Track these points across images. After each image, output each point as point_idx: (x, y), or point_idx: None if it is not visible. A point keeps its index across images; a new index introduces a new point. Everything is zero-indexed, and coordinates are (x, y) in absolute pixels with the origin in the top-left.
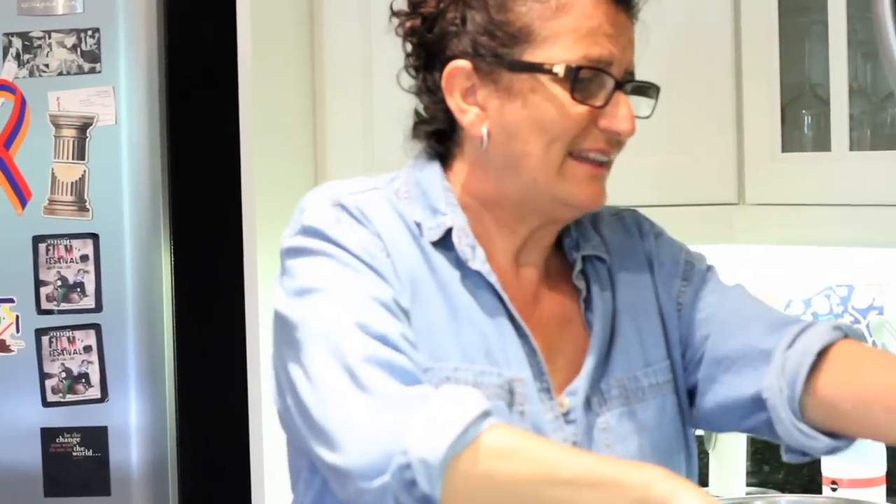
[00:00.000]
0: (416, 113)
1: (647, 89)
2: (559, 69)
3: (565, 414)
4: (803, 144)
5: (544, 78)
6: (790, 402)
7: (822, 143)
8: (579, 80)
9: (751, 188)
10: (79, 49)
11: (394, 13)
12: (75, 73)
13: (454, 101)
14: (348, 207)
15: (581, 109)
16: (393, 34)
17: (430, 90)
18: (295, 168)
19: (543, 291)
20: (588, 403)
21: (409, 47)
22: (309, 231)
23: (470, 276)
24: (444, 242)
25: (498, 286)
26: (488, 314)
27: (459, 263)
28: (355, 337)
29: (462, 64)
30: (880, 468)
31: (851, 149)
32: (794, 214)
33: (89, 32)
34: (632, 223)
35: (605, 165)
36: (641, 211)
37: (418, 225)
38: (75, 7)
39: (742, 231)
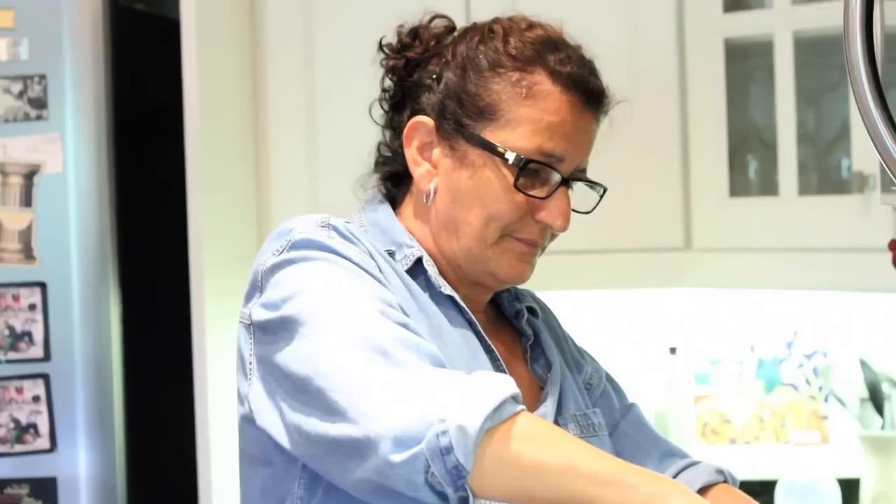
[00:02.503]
0: (378, 148)
1: (594, 187)
2: (510, 156)
3: None
4: (750, 189)
5: (496, 159)
6: None
7: (768, 187)
8: (526, 170)
9: (698, 233)
10: (25, 96)
11: (381, 47)
12: (22, 120)
13: (410, 152)
14: (337, 227)
15: (522, 198)
16: (335, 79)
17: (394, 128)
18: (239, 212)
19: (491, 334)
20: None
21: (387, 82)
22: (302, 244)
23: (442, 302)
24: (414, 271)
25: (469, 313)
26: (463, 337)
27: (430, 289)
28: (380, 322)
29: (426, 120)
30: None
31: (800, 193)
32: (742, 259)
33: (35, 79)
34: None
35: (537, 247)
36: (590, 256)
37: (390, 253)
38: (20, 54)
39: (689, 275)
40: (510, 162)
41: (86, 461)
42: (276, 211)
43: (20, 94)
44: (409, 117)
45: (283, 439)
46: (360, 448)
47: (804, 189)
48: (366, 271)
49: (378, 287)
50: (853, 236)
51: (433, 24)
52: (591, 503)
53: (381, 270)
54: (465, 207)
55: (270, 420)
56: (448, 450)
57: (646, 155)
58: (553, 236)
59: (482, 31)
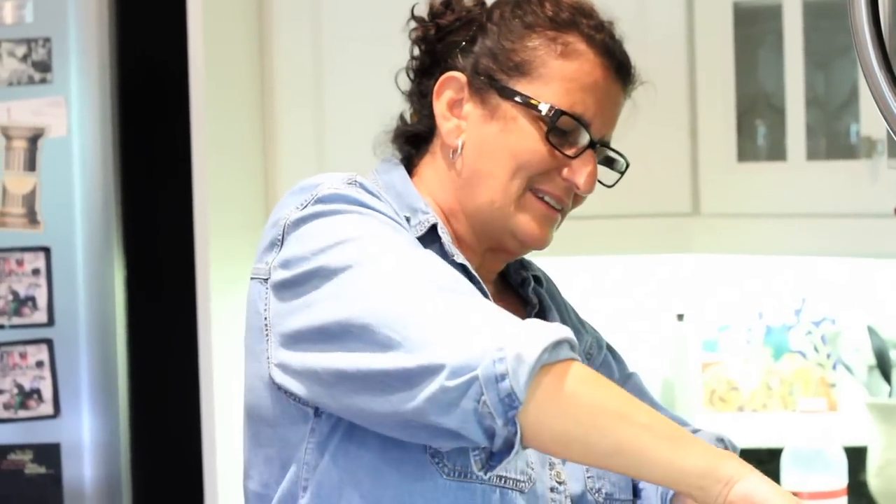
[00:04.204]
0: (401, 117)
1: (616, 162)
2: (544, 108)
3: None
4: (758, 154)
5: (528, 111)
6: (662, 498)
7: (777, 152)
8: (556, 129)
9: (706, 198)
10: (29, 59)
11: (413, 17)
12: (26, 84)
13: (440, 106)
14: (364, 184)
15: (550, 151)
16: (343, 45)
17: (422, 94)
18: (246, 178)
19: (498, 302)
20: None
21: (415, 51)
22: (331, 198)
23: (455, 270)
24: (427, 238)
25: (481, 283)
26: None
27: (443, 257)
28: (428, 261)
29: (458, 75)
30: (841, 480)
31: (808, 158)
32: (750, 224)
33: (40, 42)
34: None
35: (559, 212)
36: (598, 222)
37: (406, 219)
38: (24, 17)
39: (697, 241)
40: (543, 114)
41: (89, 427)
42: (284, 175)
43: (24, 58)
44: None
45: (303, 390)
46: (411, 377)
47: (812, 154)
48: (398, 224)
49: (412, 240)
50: (861, 202)
51: None
52: (645, 457)
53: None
54: (491, 160)
55: (300, 373)
56: (503, 376)
57: (653, 120)
58: (576, 202)
59: None
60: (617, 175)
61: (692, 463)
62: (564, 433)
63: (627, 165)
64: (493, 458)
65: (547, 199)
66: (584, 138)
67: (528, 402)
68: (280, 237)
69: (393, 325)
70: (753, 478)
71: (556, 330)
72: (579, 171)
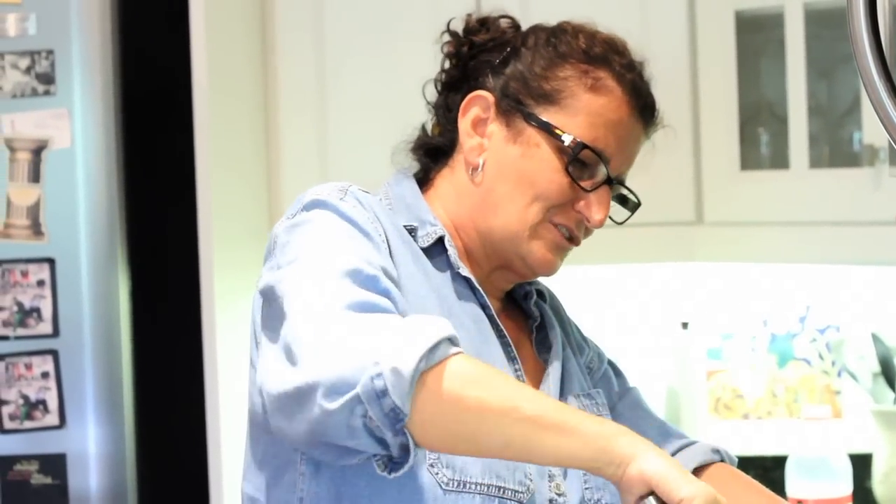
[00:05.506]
0: (423, 128)
1: (628, 201)
2: (567, 139)
3: None
4: (761, 163)
5: (551, 140)
6: None
7: (780, 161)
8: (579, 158)
9: (709, 207)
10: (33, 71)
11: (448, 31)
12: (29, 96)
13: (465, 123)
14: (354, 194)
15: (568, 183)
16: (346, 56)
17: (448, 108)
18: (250, 188)
19: (501, 316)
20: None
21: (446, 64)
22: (312, 205)
23: (459, 283)
24: (433, 250)
25: (484, 296)
26: (475, 320)
27: (448, 270)
28: (343, 283)
29: (486, 94)
30: (846, 487)
31: (811, 167)
32: (753, 232)
33: (43, 54)
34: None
35: (572, 241)
36: (602, 231)
37: (410, 231)
38: (28, 29)
39: (701, 249)
40: (565, 144)
41: (95, 437)
42: (287, 186)
43: (28, 70)
44: (465, 95)
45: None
46: (301, 396)
47: (815, 162)
48: (365, 235)
49: (372, 251)
50: (865, 209)
51: (501, 20)
52: (533, 448)
53: (389, 244)
54: (511, 183)
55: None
56: (384, 392)
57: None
58: (586, 233)
59: (552, 28)
60: (627, 213)
61: (581, 449)
62: (452, 435)
63: (639, 204)
64: (395, 461)
65: (561, 229)
66: (602, 173)
67: (413, 412)
68: (272, 247)
69: (292, 346)
70: (647, 454)
71: (434, 330)
72: (593, 206)
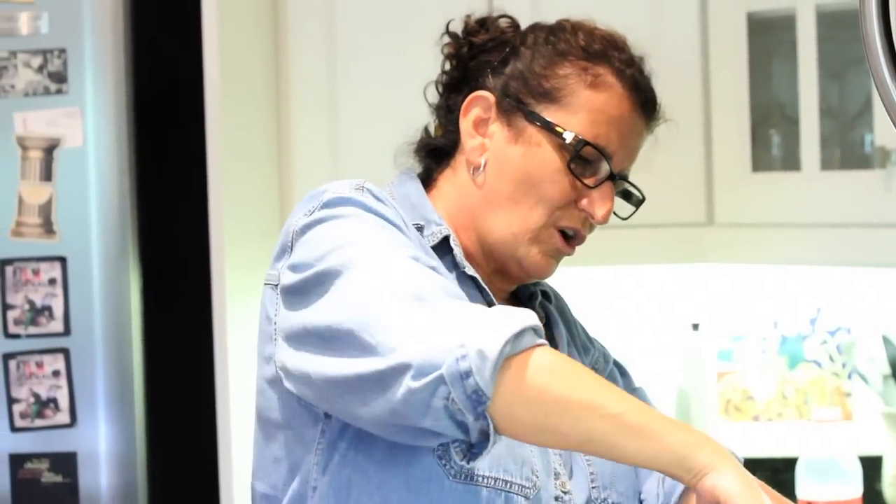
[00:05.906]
0: (426, 129)
1: (633, 196)
2: (569, 136)
3: None
4: (772, 164)
5: (553, 138)
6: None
7: (791, 162)
8: (580, 155)
9: (721, 208)
10: (45, 70)
11: (448, 33)
12: (41, 94)
13: (466, 124)
14: (371, 189)
15: (570, 182)
16: (357, 57)
17: (449, 109)
18: (261, 186)
19: None
20: None
21: (446, 66)
22: (335, 202)
23: (464, 282)
24: (439, 250)
25: (491, 296)
26: None
27: (454, 270)
28: (412, 268)
29: (486, 94)
30: (856, 489)
31: (822, 168)
32: (764, 234)
33: (55, 53)
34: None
35: (575, 241)
36: (612, 232)
37: (419, 228)
38: (40, 28)
39: (712, 251)
40: (566, 142)
41: (106, 436)
42: (298, 185)
43: (40, 69)
44: (466, 96)
45: (308, 394)
46: (383, 380)
47: (827, 164)
48: (398, 228)
49: (410, 244)
50: (876, 211)
51: (500, 20)
52: (614, 446)
53: (409, 238)
54: (513, 183)
55: (297, 377)
56: (468, 373)
57: (668, 129)
58: (591, 229)
59: (551, 26)
60: (632, 209)
61: (662, 453)
62: (535, 424)
63: (643, 200)
64: (474, 448)
65: (566, 230)
66: (605, 170)
67: (496, 396)
68: (289, 243)
69: (370, 331)
70: (725, 468)
71: (520, 318)
72: (597, 203)
